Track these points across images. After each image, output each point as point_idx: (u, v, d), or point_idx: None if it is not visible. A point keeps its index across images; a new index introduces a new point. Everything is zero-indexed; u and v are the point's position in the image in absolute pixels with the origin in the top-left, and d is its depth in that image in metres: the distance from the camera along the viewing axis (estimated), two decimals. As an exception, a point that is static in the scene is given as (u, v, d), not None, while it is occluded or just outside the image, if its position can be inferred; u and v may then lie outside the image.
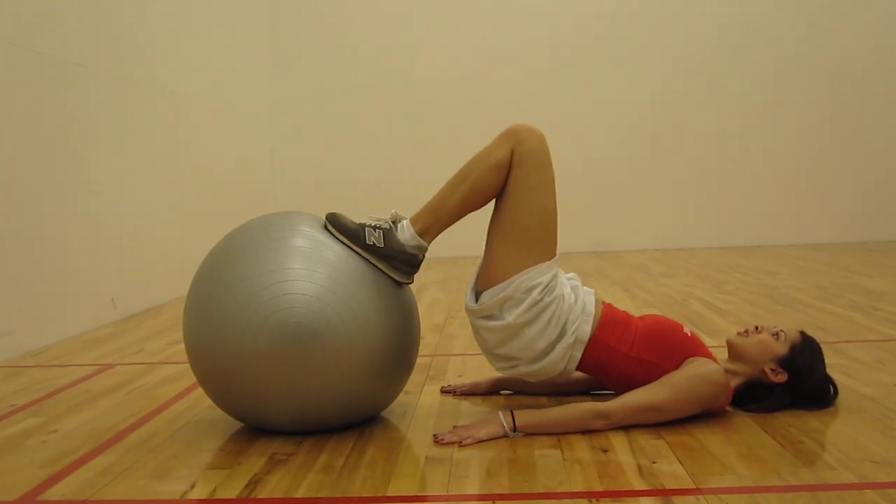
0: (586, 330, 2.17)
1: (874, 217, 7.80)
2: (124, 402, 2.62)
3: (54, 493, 1.83)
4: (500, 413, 2.12)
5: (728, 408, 2.24)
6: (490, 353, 2.22)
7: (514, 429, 2.09)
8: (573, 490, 1.74)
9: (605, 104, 7.75)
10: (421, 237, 2.17)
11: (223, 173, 6.12)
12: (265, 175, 7.55)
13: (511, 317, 2.11)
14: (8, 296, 3.46)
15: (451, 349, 3.32)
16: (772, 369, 2.21)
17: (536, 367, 2.16)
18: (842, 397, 2.33)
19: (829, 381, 2.28)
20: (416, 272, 2.20)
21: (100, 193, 4.25)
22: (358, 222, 2.17)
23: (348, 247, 2.13)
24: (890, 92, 7.76)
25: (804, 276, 5.31)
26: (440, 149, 7.71)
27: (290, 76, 7.74)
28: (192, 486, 1.83)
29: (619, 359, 2.18)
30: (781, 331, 2.26)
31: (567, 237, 8.33)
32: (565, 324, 2.15)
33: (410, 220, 2.19)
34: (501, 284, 2.12)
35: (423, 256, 2.20)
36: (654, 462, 1.88)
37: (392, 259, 2.14)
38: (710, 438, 2.03)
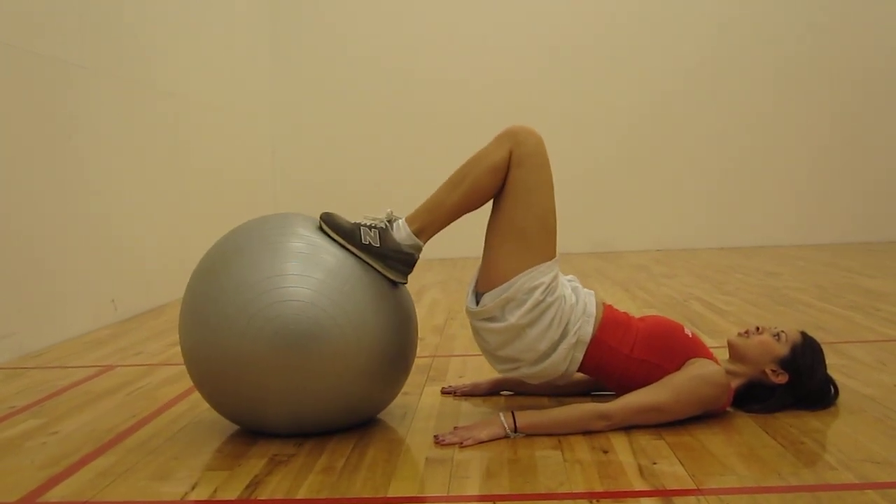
0: (588, 331, 2.17)
1: (875, 217, 7.80)
2: (125, 404, 2.62)
3: (55, 494, 1.83)
4: (500, 414, 2.12)
5: (729, 408, 2.24)
6: (492, 354, 2.22)
7: (515, 430, 2.08)
8: (574, 491, 1.74)
9: (606, 104, 7.75)
10: (417, 236, 2.17)
11: (223, 174, 6.12)
12: (265, 175, 7.55)
13: (513, 318, 2.11)
14: (8, 297, 3.46)
15: (451, 350, 3.32)
16: (773, 370, 2.21)
17: (538, 369, 2.16)
18: (842, 398, 2.33)
19: (829, 381, 2.28)
20: (411, 271, 2.20)
21: (100, 194, 4.25)
22: (353, 222, 2.16)
23: (344, 247, 2.12)
24: (890, 92, 7.76)
25: (805, 277, 5.31)
26: (440, 149, 7.70)
27: (290, 76, 7.74)
28: (193, 488, 1.83)
29: (621, 360, 2.18)
30: (782, 331, 2.26)
31: (568, 238, 8.33)
32: (567, 324, 2.15)
33: (406, 219, 2.19)
34: (503, 286, 2.12)
35: (419, 256, 2.20)
36: (654, 463, 1.88)
37: (388, 258, 2.14)
38: (711, 439, 2.03)
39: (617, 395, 2.20)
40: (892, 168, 7.79)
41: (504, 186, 2.16)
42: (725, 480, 1.77)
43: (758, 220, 7.82)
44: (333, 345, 2.00)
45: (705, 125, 7.77)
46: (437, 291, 5.18)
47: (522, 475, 1.83)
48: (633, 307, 4.23)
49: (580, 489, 1.74)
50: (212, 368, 2.06)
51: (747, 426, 2.13)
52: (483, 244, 2.21)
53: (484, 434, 2.07)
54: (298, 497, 1.77)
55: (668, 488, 1.73)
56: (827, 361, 2.29)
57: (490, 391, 2.56)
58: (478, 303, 2.18)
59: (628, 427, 2.11)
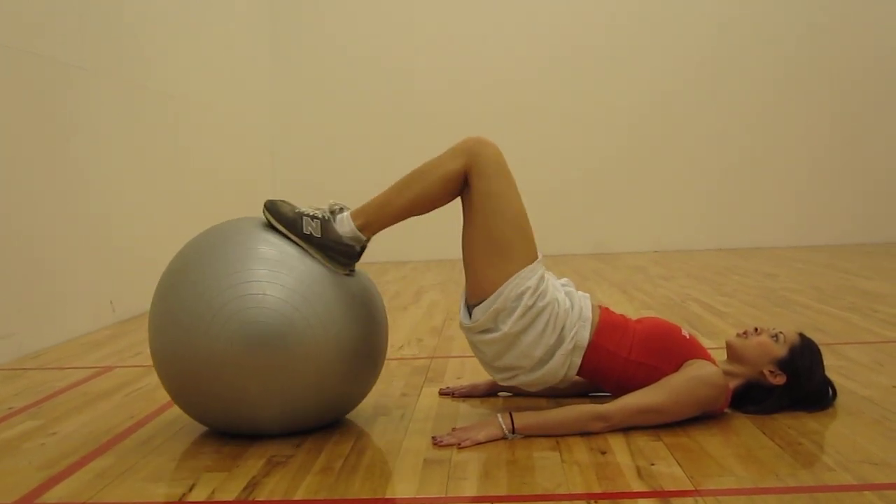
0: (585, 336, 2.17)
1: (873, 219, 7.80)
2: (123, 405, 2.62)
3: (53, 495, 1.83)
4: (498, 415, 2.12)
5: (727, 410, 2.24)
6: (489, 365, 2.22)
7: (513, 431, 2.09)
8: (572, 492, 1.74)
9: (605, 105, 7.76)
10: (360, 231, 2.16)
11: (223, 175, 6.13)
12: (265, 176, 7.55)
13: (506, 326, 2.11)
14: (7, 298, 3.45)
15: (449, 351, 3.32)
16: (770, 371, 2.21)
17: (537, 376, 2.16)
18: (840, 399, 2.33)
19: (827, 383, 2.28)
20: (353, 263, 2.19)
21: (99, 195, 4.25)
22: (297, 211, 2.16)
23: (285, 236, 2.13)
24: (890, 93, 7.76)
25: (803, 278, 5.31)
26: (440, 149, 7.70)
27: (289, 77, 7.75)
28: (191, 489, 1.83)
29: (619, 363, 2.18)
30: (780, 333, 2.26)
31: (566, 239, 8.36)
32: (562, 329, 2.15)
33: (352, 213, 2.18)
34: (491, 297, 2.12)
35: (362, 249, 2.19)
36: (652, 464, 1.88)
37: (329, 249, 2.14)
38: (709, 440, 2.03)
39: (615, 397, 2.20)
40: (890, 169, 7.80)
41: (469, 200, 2.16)
42: (723, 481, 1.77)
43: (756, 221, 7.83)
44: (305, 344, 2.02)
45: (704, 126, 7.78)
46: (436, 293, 5.18)
47: (520, 476, 1.83)
48: (630, 309, 4.23)
49: (578, 490, 1.75)
50: (182, 369, 2.06)
51: (745, 427, 2.13)
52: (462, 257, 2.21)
53: (482, 435, 2.07)
54: (296, 498, 1.77)
55: (665, 489, 1.74)
56: (825, 363, 2.29)
57: (488, 392, 2.56)
58: (471, 317, 2.17)
59: (626, 428, 2.11)
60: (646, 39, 7.73)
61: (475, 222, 2.16)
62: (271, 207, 2.17)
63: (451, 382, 2.74)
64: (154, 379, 2.97)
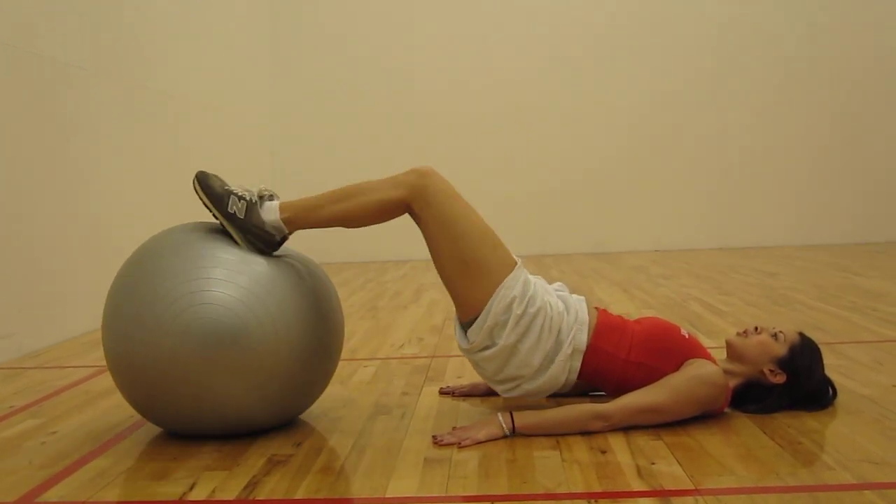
0: (582, 339, 2.17)
1: (874, 218, 7.80)
2: (123, 404, 2.61)
3: (53, 494, 1.83)
4: (498, 414, 2.12)
5: (727, 409, 2.24)
6: (492, 380, 2.22)
7: (513, 430, 2.09)
8: (572, 491, 1.74)
9: (606, 105, 7.76)
10: (284, 223, 2.17)
11: (223, 175, 6.12)
12: (265, 176, 7.55)
13: (502, 339, 2.12)
14: (8, 297, 3.46)
15: (449, 350, 3.32)
16: (770, 370, 2.21)
17: (539, 383, 2.16)
18: (840, 398, 2.33)
19: (827, 382, 2.28)
20: (272, 251, 2.19)
21: (99, 195, 4.26)
22: (226, 188, 2.17)
23: (209, 209, 2.15)
24: (890, 93, 7.76)
25: (803, 277, 5.31)
26: (440, 149, 7.72)
27: (289, 77, 7.75)
28: (192, 488, 1.83)
29: (618, 364, 2.18)
30: (781, 332, 2.26)
31: (567, 238, 8.36)
32: (559, 333, 2.15)
33: (281, 204, 2.19)
34: (482, 315, 2.13)
35: (283, 240, 2.19)
36: (652, 463, 1.88)
37: (248, 233, 2.15)
38: (709, 439, 2.03)
39: (615, 396, 2.20)
40: (891, 168, 7.80)
41: (427, 230, 2.16)
42: (723, 481, 1.78)
43: (757, 220, 7.83)
44: (257, 344, 2.02)
45: (705, 125, 7.78)
46: (436, 292, 5.18)
47: (521, 475, 1.84)
48: (631, 308, 4.23)
49: (578, 489, 1.75)
50: (136, 369, 2.05)
51: (745, 426, 2.13)
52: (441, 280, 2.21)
53: (482, 434, 2.07)
54: (297, 497, 1.77)
55: (666, 488, 1.74)
56: (825, 362, 2.29)
57: (488, 391, 2.56)
58: (467, 338, 2.18)
59: (626, 427, 2.11)
60: (646, 39, 7.73)
61: (442, 250, 2.15)
62: (202, 180, 2.18)
63: (452, 381, 2.74)
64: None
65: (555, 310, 2.16)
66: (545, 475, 1.83)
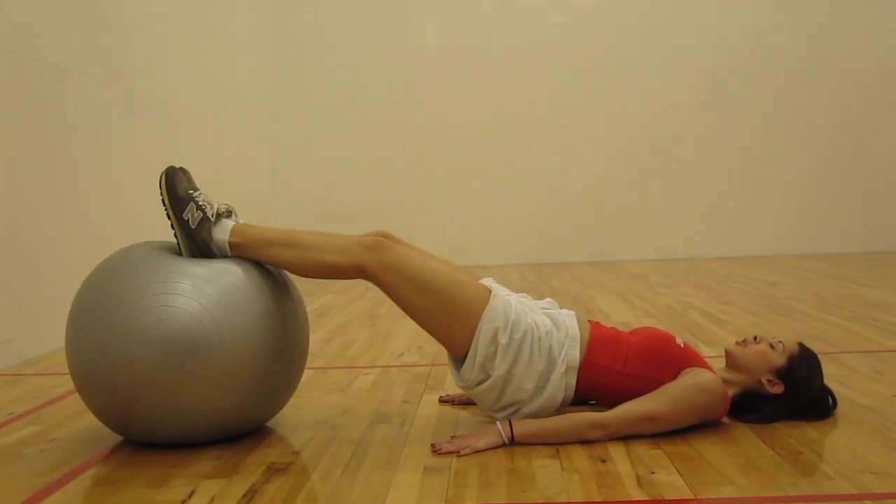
0: (575, 355, 2.17)
1: (875, 227, 7.81)
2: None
3: (52, 502, 1.83)
4: (498, 423, 2.12)
5: (725, 419, 2.24)
6: (493, 409, 2.22)
7: (512, 439, 2.09)
8: (571, 500, 1.74)
9: (606, 114, 7.77)
10: (230, 247, 2.19)
11: (223, 182, 6.12)
12: (265, 184, 7.56)
13: (495, 371, 2.12)
14: (7, 304, 3.46)
15: (450, 358, 3.31)
16: (769, 380, 2.21)
17: (538, 405, 2.16)
18: (840, 408, 2.33)
19: (826, 392, 2.27)
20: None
21: (99, 201, 4.26)
22: (191, 192, 2.19)
23: (164, 206, 2.18)
24: (891, 103, 7.77)
25: (804, 287, 5.31)
26: (440, 159, 7.74)
27: (290, 85, 7.76)
28: (191, 495, 1.83)
29: (614, 377, 2.18)
30: (780, 342, 2.26)
31: (567, 247, 8.38)
32: (550, 352, 2.15)
33: (234, 227, 2.20)
34: (470, 353, 2.14)
35: (222, 257, 2.20)
36: (652, 472, 1.88)
37: (193, 242, 2.17)
38: (709, 449, 2.03)
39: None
40: (891, 178, 7.80)
41: (391, 292, 2.15)
42: (723, 490, 1.77)
43: (757, 229, 7.83)
44: (219, 356, 2.02)
45: (705, 135, 7.79)
46: (437, 300, 5.17)
47: (520, 484, 1.83)
48: (631, 317, 4.23)
49: (578, 498, 1.74)
50: (100, 378, 2.06)
51: (745, 436, 2.13)
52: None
53: (481, 443, 2.07)
54: (296, 505, 1.77)
55: (665, 498, 1.73)
56: (825, 371, 2.29)
57: (488, 400, 2.56)
58: (461, 375, 2.19)
59: (626, 436, 2.11)
60: (646, 49, 7.75)
61: (411, 306, 2.15)
62: (170, 176, 2.20)
63: (452, 390, 2.74)
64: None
65: (542, 329, 2.16)
66: (545, 484, 1.83)
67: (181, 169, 2.25)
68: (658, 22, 7.74)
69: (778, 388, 2.21)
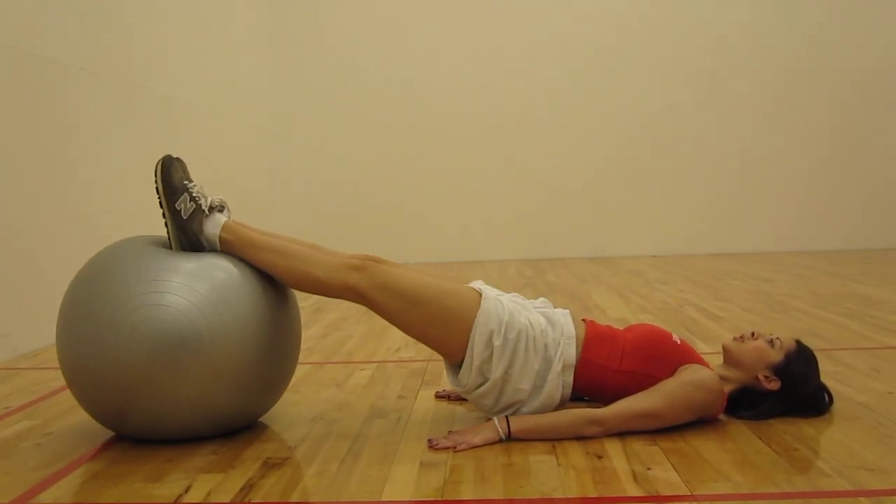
0: (571, 353, 2.17)
1: (872, 225, 7.82)
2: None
3: (48, 496, 1.83)
4: (494, 418, 2.12)
5: (721, 415, 2.24)
6: (492, 412, 2.21)
7: (509, 434, 2.09)
8: (568, 496, 1.74)
9: (605, 112, 7.77)
10: (219, 242, 2.19)
11: (222, 179, 6.12)
12: (263, 180, 7.55)
13: (492, 373, 2.13)
14: (3, 298, 3.45)
15: (447, 354, 3.32)
16: (765, 376, 2.21)
17: (536, 404, 2.16)
18: (836, 405, 2.33)
19: (823, 389, 2.28)
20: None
21: (98, 197, 4.25)
22: (186, 184, 2.19)
23: (157, 194, 2.19)
24: (889, 102, 7.78)
25: (801, 284, 5.31)
26: (440, 157, 7.74)
27: (289, 82, 7.75)
28: (187, 490, 1.83)
29: (610, 375, 2.18)
30: (777, 338, 2.26)
31: (566, 243, 8.37)
32: (545, 350, 2.15)
33: (226, 223, 2.20)
34: (466, 358, 2.14)
35: (210, 251, 2.21)
36: (648, 468, 1.88)
37: (184, 233, 2.17)
38: (705, 445, 2.03)
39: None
40: (889, 177, 7.82)
41: (381, 310, 2.15)
42: (719, 487, 1.77)
43: (754, 226, 7.84)
44: (210, 351, 2.02)
45: (703, 133, 7.79)
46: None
47: (516, 480, 1.83)
48: (628, 313, 4.23)
49: (574, 494, 1.75)
50: (91, 373, 2.06)
51: (741, 433, 2.13)
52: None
53: (478, 439, 2.07)
54: (292, 500, 1.77)
55: (661, 494, 1.74)
56: (821, 368, 2.29)
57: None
58: (460, 380, 2.19)
59: (622, 433, 2.11)
60: (645, 48, 7.74)
61: (402, 320, 2.16)
62: (166, 165, 2.20)
63: (448, 386, 2.73)
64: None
65: (537, 328, 2.16)
66: (541, 480, 1.83)
67: (178, 159, 2.25)
68: (658, 22, 7.74)
69: (775, 385, 2.21)
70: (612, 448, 2.02)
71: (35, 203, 3.70)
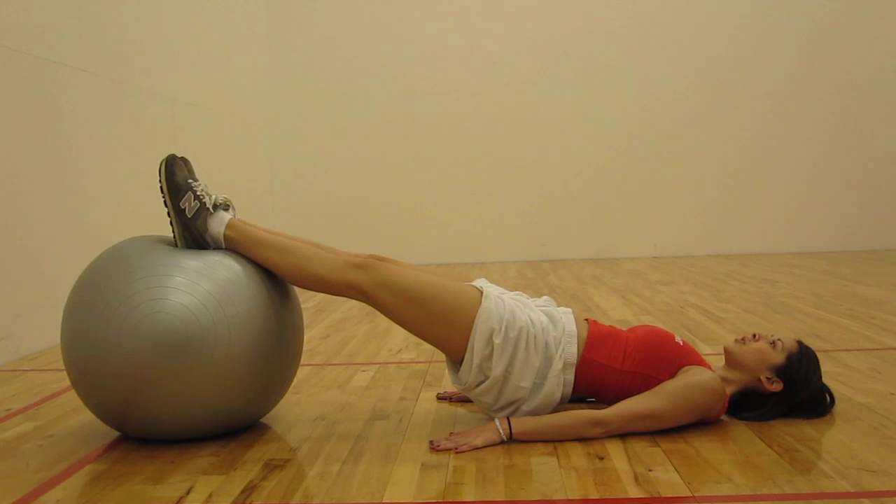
0: (572, 351, 2.17)
1: (873, 226, 7.81)
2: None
3: (49, 497, 1.83)
4: (496, 420, 2.12)
5: (723, 417, 2.24)
6: (492, 410, 2.21)
7: (511, 436, 2.09)
8: (569, 497, 1.74)
9: (605, 112, 7.76)
10: (223, 239, 2.21)
11: (222, 182, 6.11)
12: (263, 180, 7.55)
13: (492, 371, 2.13)
14: (5, 300, 3.46)
15: (448, 355, 3.32)
16: (767, 378, 2.21)
17: (537, 403, 2.16)
18: (838, 406, 2.33)
19: (825, 390, 2.28)
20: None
21: (98, 198, 4.26)
22: (191, 182, 2.20)
23: (161, 193, 2.20)
24: (889, 102, 7.77)
25: (802, 285, 5.31)
26: (439, 156, 7.73)
27: (288, 83, 7.75)
28: (188, 492, 1.83)
29: (612, 375, 2.18)
30: (779, 339, 2.26)
31: (566, 244, 8.36)
32: (546, 348, 2.15)
33: (230, 221, 2.22)
34: (467, 355, 2.15)
35: (215, 248, 2.22)
36: (650, 470, 1.88)
37: (189, 231, 2.19)
38: (706, 446, 2.03)
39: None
40: (889, 177, 7.81)
41: (383, 307, 2.16)
42: (721, 488, 1.77)
43: (755, 227, 7.83)
44: (214, 350, 2.03)
45: (704, 133, 7.79)
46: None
47: (518, 481, 1.83)
48: (629, 314, 4.23)
49: (575, 496, 1.75)
50: (95, 373, 2.06)
51: (742, 434, 2.13)
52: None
53: (479, 440, 2.07)
54: (293, 502, 1.77)
55: (663, 495, 1.74)
56: (823, 369, 2.29)
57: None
58: (460, 378, 2.19)
59: (624, 434, 2.11)
60: (646, 46, 7.74)
61: (406, 319, 2.17)
62: (170, 165, 2.21)
63: (449, 387, 2.74)
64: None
65: (538, 326, 2.16)
66: (542, 481, 1.83)
67: (182, 158, 2.26)
68: (658, 21, 7.73)
69: (777, 386, 2.21)
70: (614, 449, 2.02)
71: (35, 205, 3.71)
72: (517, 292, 2.33)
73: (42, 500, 1.82)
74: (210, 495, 1.81)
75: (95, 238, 4.20)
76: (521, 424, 2.10)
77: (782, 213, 7.82)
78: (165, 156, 2.23)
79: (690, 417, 2.13)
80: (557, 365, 2.15)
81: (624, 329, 2.32)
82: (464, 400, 2.56)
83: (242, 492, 1.82)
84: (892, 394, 2.51)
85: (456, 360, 2.21)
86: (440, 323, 2.14)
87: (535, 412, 2.18)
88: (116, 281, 2.07)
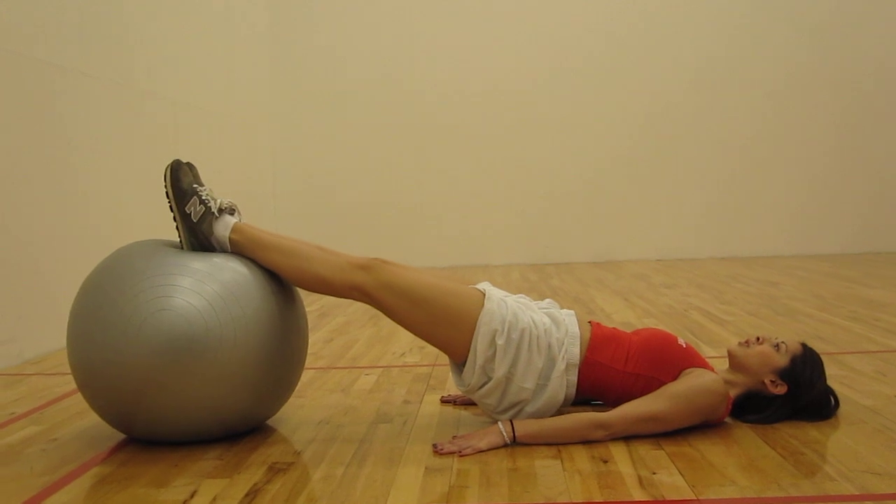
0: (575, 352, 2.17)
1: (876, 228, 7.80)
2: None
3: (54, 501, 1.83)
4: (499, 423, 2.12)
5: (727, 419, 2.24)
6: (496, 412, 2.22)
7: (514, 439, 2.09)
8: (573, 500, 1.74)
9: (607, 114, 7.76)
10: (229, 243, 2.22)
11: (224, 184, 6.12)
12: (266, 183, 7.56)
13: (495, 372, 2.13)
14: (8, 304, 3.46)
15: (451, 358, 3.32)
16: (771, 381, 2.21)
17: (540, 404, 2.16)
18: (842, 409, 2.33)
19: (829, 393, 2.27)
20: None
21: (100, 201, 4.26)
22: (196, 187, 2.22)
23: (167, 198, 2.20)
24: (891, 102, 7.76)
25: (805, 287, 5.30)
26: (441, 159, 7.74)
27: (290, 86, 7.75)
28: (193, 495, 1.83)
29: (615, 376, 2.18)
30: (783, 342, 2.26)
31: (569, 247, 8.35)
32: (549, 349, 2.16)
33: (235, 225, 2.23)
34: (470, 357, 2.15)
35: (221, 251, 2.23)
36: (654, 473, 1.88)
37: (195, 235, 2.21)
38: (711, 449, 2.03)
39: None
40: (892, 178, 7.79)
41: (386, 309, 2.17)
42: (725, 491, 1.77)
43: (758, 230, 7.82)
44: (219, 351, 2.03)
45: (706, 135, 7.78)
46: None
47: (521, 484, 1.83)
48: (632, 317, 4.23)
49: (579, 499, 1.74)
50: (101, 375, 2.07)
51: (747, 436, 2.13)
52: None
53: (483, 443, 2.07)
54: (298, 505, 1.77)
55: (667, 499, 1.73)
56: (827, 372, 2.29)
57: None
58: (464, 380, 2.20)
59: (627, 437, 2.11)
60: (647, 48, 7.74)
61: (410, 321, 2.17)
62: (175, 170, 2.23)
63: (453, 390, 2.74)
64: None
65: (540, 328, 2.17)
66: (546, 484, 1.83)
67: (187, 163, 2.27)
68: (658, 22, 7.73)
69: (781, 389, 2.20)
70: (618, 452, 2.02)
71: (36, 206, 3.71)
72: (520, 295, 2.33)
73: (46, 503, 1.82)
74: (214, 498, 1.81)
75: (97, 240, 4.20)
76: (524, 427, 2.10)
77: (785, 216, 7.81)
78: (171, 161, 2.23)
79: (693, 419, 2.13)
80: (560, 366, 2.15)
81: (627, 332, 2.32)
82: (468, 403, 2.56)
83: (246, 495, 1.82)
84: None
85: (459, 362, 2.21)
86: (443, 324, 2.15)
87: (539, 413, 2.18)
88: (122, 282, 2.08)
